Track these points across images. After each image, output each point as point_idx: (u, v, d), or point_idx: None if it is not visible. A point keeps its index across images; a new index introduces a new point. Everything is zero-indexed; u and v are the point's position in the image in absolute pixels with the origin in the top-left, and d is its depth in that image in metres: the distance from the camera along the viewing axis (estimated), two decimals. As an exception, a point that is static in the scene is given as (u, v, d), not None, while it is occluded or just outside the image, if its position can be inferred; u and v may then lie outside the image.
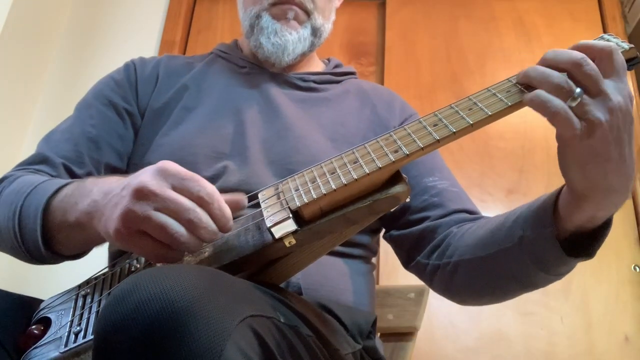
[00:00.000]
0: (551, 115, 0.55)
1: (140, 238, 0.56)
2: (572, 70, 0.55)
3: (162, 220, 0.55)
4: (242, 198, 0.63)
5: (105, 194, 0.62)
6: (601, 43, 0.57)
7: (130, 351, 0.43)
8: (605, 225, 0.62)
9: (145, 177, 0.56)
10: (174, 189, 0.56)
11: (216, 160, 0.85)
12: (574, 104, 0.54)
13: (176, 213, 0.55)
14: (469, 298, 0.80)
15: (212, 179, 0.82)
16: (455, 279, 0.78)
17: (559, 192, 0.63)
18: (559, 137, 0.58)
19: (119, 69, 0.99)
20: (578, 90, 0.54)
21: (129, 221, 0.56)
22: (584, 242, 0.62)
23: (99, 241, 0.69)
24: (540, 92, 0.55)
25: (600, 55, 0.56)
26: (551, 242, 0.62)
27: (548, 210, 0.63)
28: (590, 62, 0.55)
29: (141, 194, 0.55)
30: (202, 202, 0.56)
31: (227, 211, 0.58)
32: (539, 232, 0.63)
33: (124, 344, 0.43)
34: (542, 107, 0.55)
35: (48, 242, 0.72)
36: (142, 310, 0.43)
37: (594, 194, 0.58)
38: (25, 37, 1.90)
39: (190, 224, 0.55)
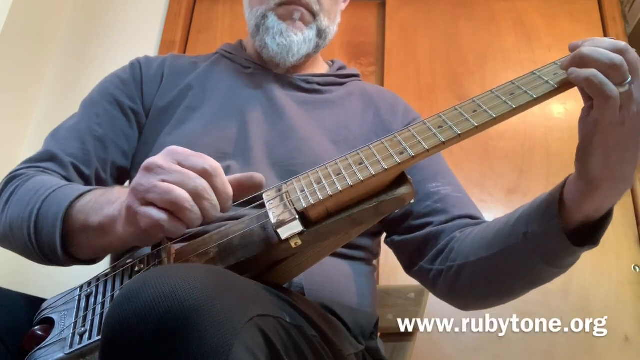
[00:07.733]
0: (605, 98, 0.54)
1: (147, 208, 0.57)
2: None
3: (167, 186, 0.56)
4: (257, 175, 0.64)
5: None
6: (612, 40, 0.56)
7: (139, 350, 0.43)
8: (608, 214, 0.63)
9: (155, 157, 0.60)
10: (180, 164, 0.59)
11: (219, 160, 0.83)
12: (623, 90, 0.54)
13: (181, 182, 0.57)
14: (472, 300, 0.80)
15: None
16: (459, 281, 0.77)
17: (562, 187, 0.64)
18: (594, 122, 0.57)
19: (125, 67, 0.99)
20: (630, 77, 0.54)
21: (137, 192, 0.58)
22: (588, 232, 0.63)
23: (116, 245, 0.69)
24: (598, 73, 0.54)
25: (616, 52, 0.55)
26: (557, 234, 0.63)
27: (553, 204, 0.63)
28: (632, 50, 0.55)
29: (149, 169, 0.58)
30: (206, 174, 0.58)
31: (229, 189, 0.60)
32: (545, 225, 0.64)
33: (132, 343, 0.43)
34: (598, 88, 0.54)
35: (65, 245, 0.71)
36: (151, 309, 0.43)
37: (607, 182, 0.59)
38: (25, 37, 1.89)
39: (194, 192, 0.57)
